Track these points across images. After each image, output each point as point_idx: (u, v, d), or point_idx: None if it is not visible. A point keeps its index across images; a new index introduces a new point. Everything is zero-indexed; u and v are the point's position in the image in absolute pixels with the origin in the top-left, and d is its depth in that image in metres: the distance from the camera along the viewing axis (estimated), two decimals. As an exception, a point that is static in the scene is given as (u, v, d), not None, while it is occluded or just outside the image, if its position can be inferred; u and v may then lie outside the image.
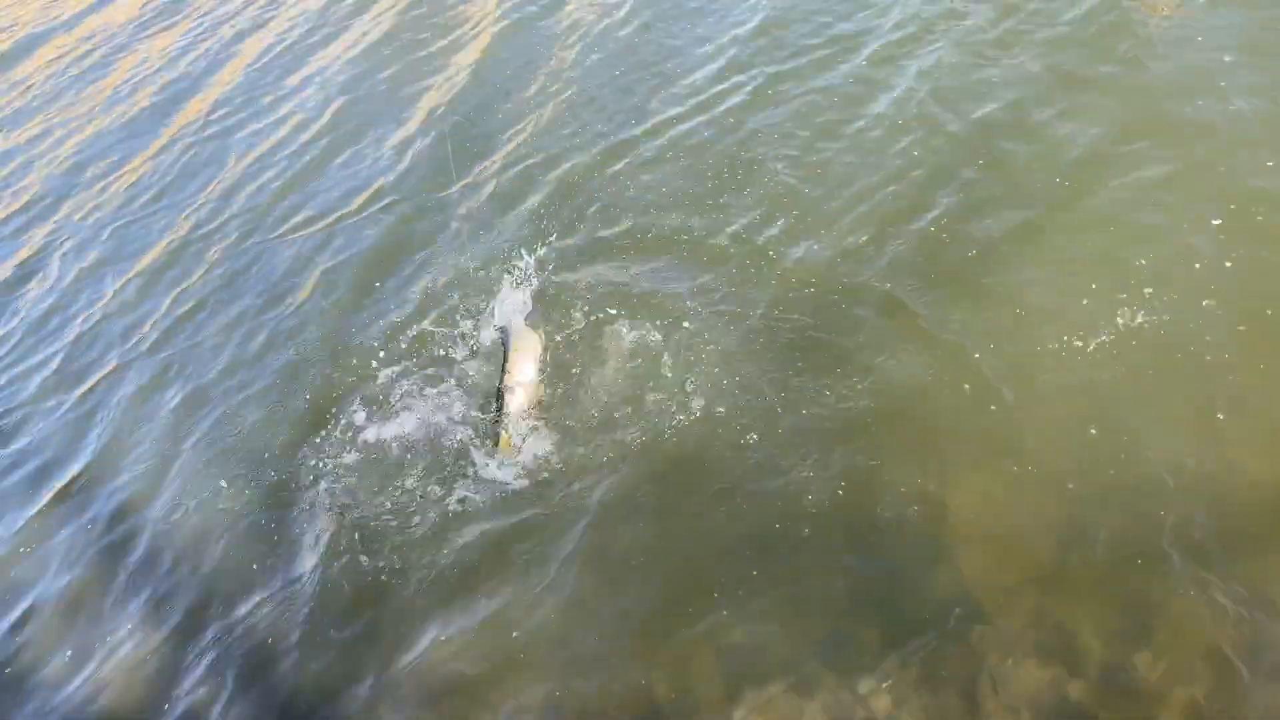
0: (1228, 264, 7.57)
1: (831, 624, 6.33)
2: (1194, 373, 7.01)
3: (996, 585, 6.24)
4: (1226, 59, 9.51)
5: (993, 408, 7.13)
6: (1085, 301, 7.59)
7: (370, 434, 8.17)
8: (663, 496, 7.22)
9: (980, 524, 6.55)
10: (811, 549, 6.69)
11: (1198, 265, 7.61)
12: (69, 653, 7.67)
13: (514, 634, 6.73)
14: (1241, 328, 7.18)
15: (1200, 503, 6.33)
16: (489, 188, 10.87)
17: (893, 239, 8.63)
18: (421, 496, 7.62)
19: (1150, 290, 7.52)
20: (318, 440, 8.33)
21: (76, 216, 13.18)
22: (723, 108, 10.91)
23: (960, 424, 7.11)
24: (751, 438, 7.38)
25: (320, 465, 8.11)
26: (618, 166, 10.54)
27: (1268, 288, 7.38)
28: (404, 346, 8.95)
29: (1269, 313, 7.22)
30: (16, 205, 14.02)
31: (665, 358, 8.02)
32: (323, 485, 7.96)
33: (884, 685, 6.01)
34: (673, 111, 11.12)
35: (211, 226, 11.97)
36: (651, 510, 7.17)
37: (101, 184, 13.75)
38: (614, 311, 8.56)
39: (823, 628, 6.33)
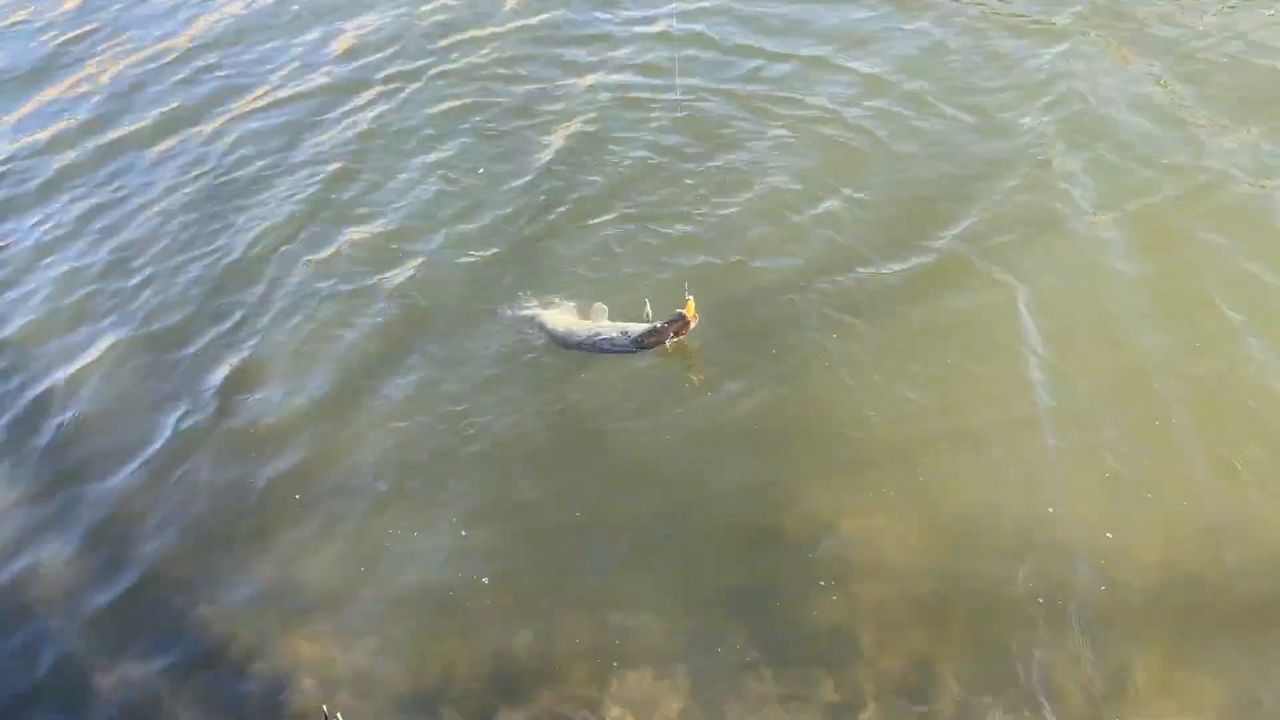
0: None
1: (709, 624, 6.28)
2: (1099, 434, 6.97)
3: (873, 616, 6.19)
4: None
5: (905, 447, 7.05)
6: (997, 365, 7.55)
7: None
8: (571, 467, 7.20)
9: (868, 555, 6.50)
10: (705, 548, 6.66)
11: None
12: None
13: (393, 571, 6.73)
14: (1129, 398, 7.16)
15: (1084, 565, 6.28)
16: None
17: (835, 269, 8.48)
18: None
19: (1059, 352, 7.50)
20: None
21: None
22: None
23: (870, 457, 7.04)
24: (674, 430, 7.34)
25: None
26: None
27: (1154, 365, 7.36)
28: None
29: (1155, 386, 7.20)
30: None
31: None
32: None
33: (746, 691, 5.96)
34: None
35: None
36: (557, 478, 7.14)
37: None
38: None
39: (699, 626, 6.28)
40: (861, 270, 8.31)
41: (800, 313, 8.01)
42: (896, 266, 8.32)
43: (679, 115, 10.10)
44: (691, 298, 7.52)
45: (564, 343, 7.92)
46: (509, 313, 8.33)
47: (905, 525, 6.61)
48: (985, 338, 7.69)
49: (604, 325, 7.88)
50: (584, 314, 8.08)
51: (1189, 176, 8.73)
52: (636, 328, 7.69)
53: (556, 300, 8.31)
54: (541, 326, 8.09)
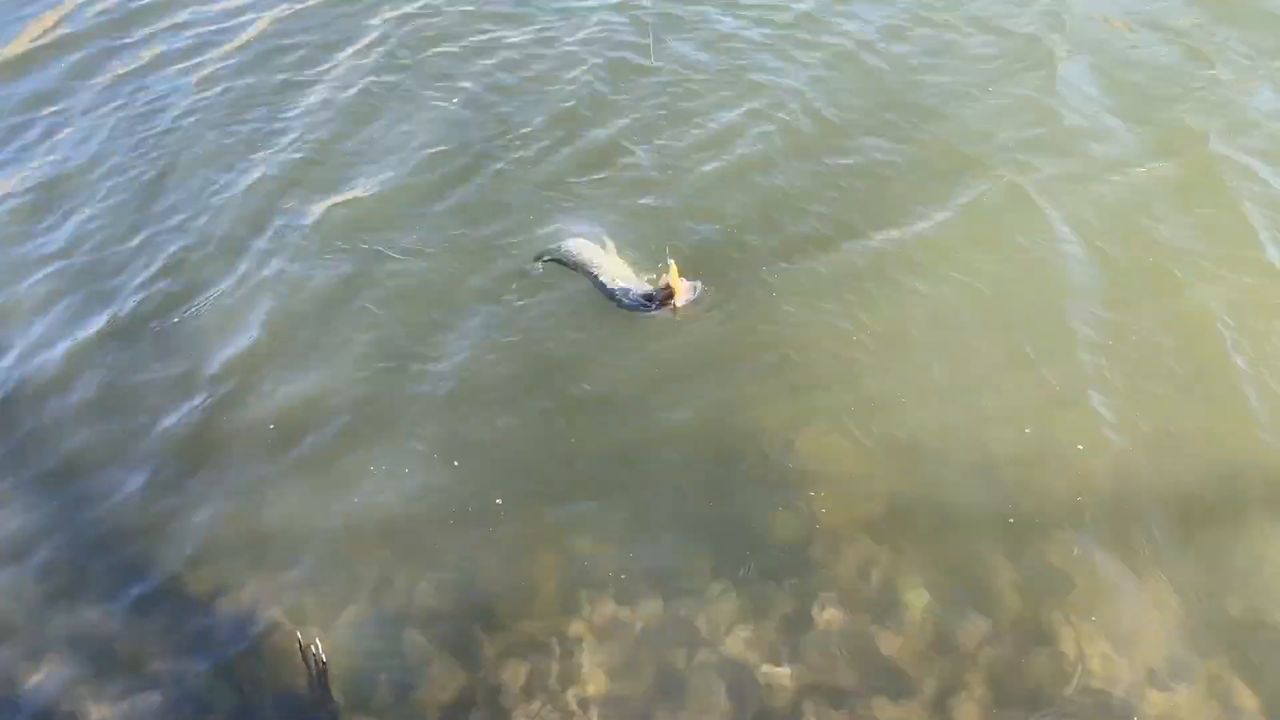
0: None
1: (670, 548, 6.42)
2: (1048, 359, 7.20)
3: (832, 532, 6.38)
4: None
5: (860, 363, 7.28)
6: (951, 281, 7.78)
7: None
8: (533, 400, 7.28)
9: (826, 471, 6.68)
10: (664, 474, 6.79)
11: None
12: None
13: (357, 501, 6.78)
14: (1109, 314, 7.43)
15: (1034, 480, 6.53)
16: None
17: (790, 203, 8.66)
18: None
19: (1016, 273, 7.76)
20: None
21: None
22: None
23: (825, 374, 7.25)
24: (633, 362, 7.46)
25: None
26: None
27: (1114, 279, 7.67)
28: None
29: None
30: None
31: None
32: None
33: (710, 611, 6.13)
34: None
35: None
36: (520, 411, 7.22)
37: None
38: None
39: (661, 550, 6.42)
40: (813, 206, 8.51)
41: (757, 247, 8.17)
42: (845, 200, 8.54)
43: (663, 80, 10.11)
44: (672, 262, 7.44)
45: (575, 263, 7.91)
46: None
47: (858, 444, 6.80)
48: (933, 260, 7.95)
49: (613, 267, 7.81)
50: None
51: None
52: (639, 288, 7.62)
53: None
54: (567, 247, 8.07)
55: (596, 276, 7.79)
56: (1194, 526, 6.23)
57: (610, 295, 7.71)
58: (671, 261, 7.45)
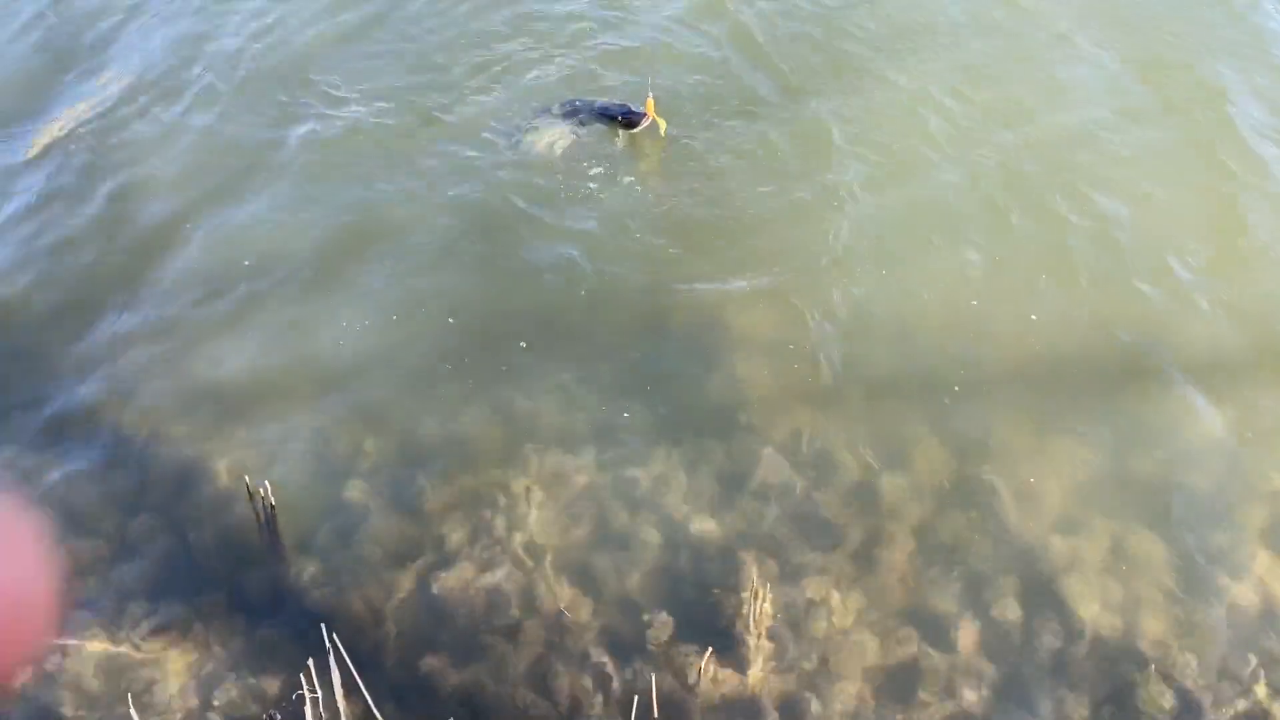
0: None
1: (610, 404, 6.59)
2: (983, 238, 7.42)
3: (766, 397, 6.60)
4: None
5: (798, 232, 7.44)
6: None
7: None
8: (480, 258, 7.34)
9: (760, 337, 6.89)
10: (606, 330, 6.95)
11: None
12: None
13: (297, 352, 6.82)
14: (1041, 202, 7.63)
15: (961, 350, 6.80)
16: None
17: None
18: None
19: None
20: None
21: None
22: None
23: (766, 242, 7.40)
24: (579, 224, 7.52)
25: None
26: None
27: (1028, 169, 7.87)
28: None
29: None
30: None
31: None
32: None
33: (648, 466, 6.33)
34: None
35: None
36: (465, 264, 7.30)
37: None
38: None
39: (602, 406, 6.59)
40: (776, 75, 8.61)
41: (716, 121, 8.26)
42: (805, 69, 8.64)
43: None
44: (653, 97, 7.90)
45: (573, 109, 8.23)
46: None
47: (794, 311, 6.99)
48: (881, 132, 8.08)
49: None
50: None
51: None
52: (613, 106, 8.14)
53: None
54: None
55: (593, 103, 8.26)
56: (1112, 392, 6.55)
57: (604, 109, 8.15)
58: (650, 94, 7.93)
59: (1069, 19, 9.12)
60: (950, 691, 5.39)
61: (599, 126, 8.13)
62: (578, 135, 8.01)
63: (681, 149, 8.01)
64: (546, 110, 8.18)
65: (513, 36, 8.99)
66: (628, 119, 8.01)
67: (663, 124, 7.94)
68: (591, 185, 7.78)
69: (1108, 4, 9.34)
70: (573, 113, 8.10)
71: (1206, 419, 6.43)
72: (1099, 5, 9.31)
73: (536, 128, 8.03)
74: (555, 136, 8.00)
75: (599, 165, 7.90)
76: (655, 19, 9.18)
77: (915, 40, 8.92)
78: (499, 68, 8.74)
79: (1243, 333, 6.87)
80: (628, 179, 7.80)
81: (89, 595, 5.75)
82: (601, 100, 8.18)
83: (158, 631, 5.65)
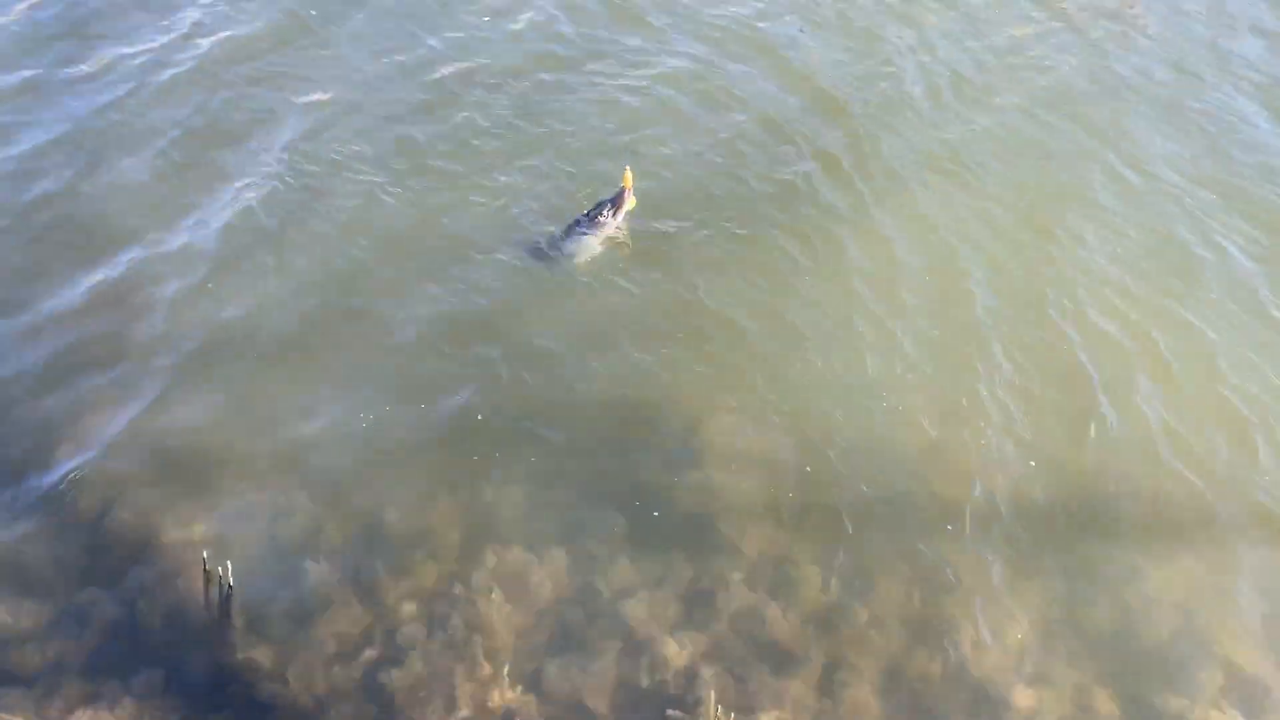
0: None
1: (579, 506, 6.53)
2: (957, 368, 7.52)
3: (734, 509, 6.57)
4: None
5: (776, 347, 7.51)
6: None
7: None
8: (460, 347, 7.32)
9: (733, 449, 6.89)
10: (579, 433, 6.89)
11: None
12: None
13: (270, 429, 6.70)
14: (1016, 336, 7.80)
15: (931, 480, 6.84)
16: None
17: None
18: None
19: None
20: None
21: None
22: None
23: (741, 354, 7.46)
24: (563, 319, 7.57)
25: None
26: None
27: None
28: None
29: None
30: None
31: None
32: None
33: (614, 572, 6.24)
34: None
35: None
36: (441, 355, 7.26)
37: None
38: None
39: (570, 507, 6.52)
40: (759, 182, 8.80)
41: (706, 219, 8.40)
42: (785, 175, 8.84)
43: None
44: (629, 169, 8.15)
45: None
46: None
47: (767, 426, 7.01)
48: (865, 257, 8.21)
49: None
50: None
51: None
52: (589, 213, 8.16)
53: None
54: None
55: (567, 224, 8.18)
56: (1074, 540, 6.62)
57: (574, 223, 8.12)
58: (628, 167, 8.13)
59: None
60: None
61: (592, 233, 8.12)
62: (577, 238, 8.02)
63: (674, 248, 8.08)
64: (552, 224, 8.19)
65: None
66: (614, 204, 8.15)
67: (632, 201, 8.16)
68: (582, 280, 7.82)
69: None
70: (576, 225, 8.11)
71: (1164, 574, 6.52)
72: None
73: (543, 233, 8.07)
74: (561, 242, 8.03)
75: (587, 262, 7.94)
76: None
77: (943, 164, 9.14)
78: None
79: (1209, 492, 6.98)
80: (613, 278, 7.82)
81: (22, 665, 5.48)
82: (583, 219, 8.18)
83: (88, 708, 5.38)
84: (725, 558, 6.37)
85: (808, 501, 6.68)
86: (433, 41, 9.99)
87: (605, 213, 8.09)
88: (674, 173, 8.81)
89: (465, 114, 9.16)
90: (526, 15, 10.36)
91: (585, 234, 7.99)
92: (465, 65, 9.73)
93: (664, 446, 6.88)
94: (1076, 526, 6.68)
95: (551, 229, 8.12)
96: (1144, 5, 11.26)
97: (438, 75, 9.61)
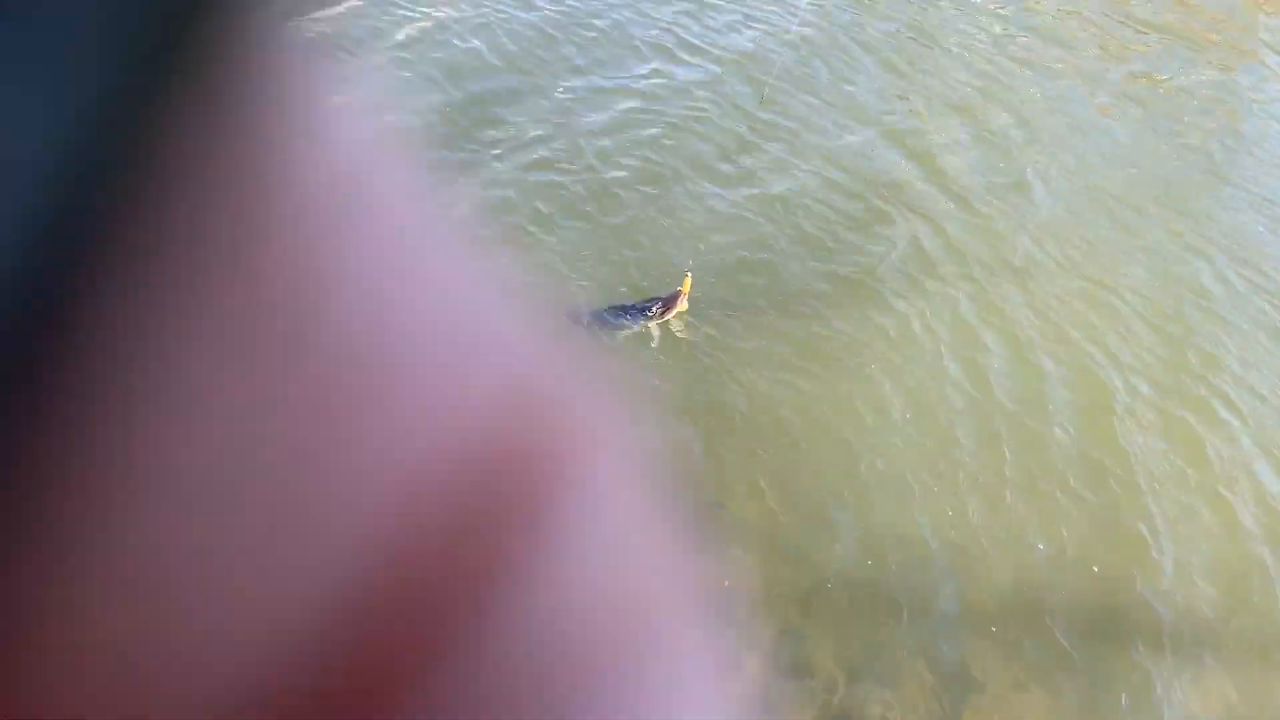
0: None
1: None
2: (982, 462, 7.41)
3: (755, 588, 6.42)
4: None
5: (806, 437, 7.43)
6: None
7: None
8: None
9: (755, 528, 6.78)
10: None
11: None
12: None
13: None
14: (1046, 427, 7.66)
15: (958, 575, 6.69)
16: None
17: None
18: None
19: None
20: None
21: None
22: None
23: (770, 441, 7.39)
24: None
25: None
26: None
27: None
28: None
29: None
30: None
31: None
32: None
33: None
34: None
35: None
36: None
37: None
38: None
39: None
40: (798, 279, 8.78)
41: (736, 303, 8.42)
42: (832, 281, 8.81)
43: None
44: (689, 275, 8.00)
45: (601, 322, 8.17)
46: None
47: (792, 512, 6.90)
48: (901, 353, 8.17)
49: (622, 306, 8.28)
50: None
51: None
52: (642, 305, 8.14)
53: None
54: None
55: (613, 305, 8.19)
56: (1104, 649, 6.41)
57: (620, 307, 8.10)
58: (688, 274, 8.00)
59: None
60: None
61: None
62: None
63: (707, 341, 8.09)
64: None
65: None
66: (666, 303, 8.00)
67: (684, 305, 8.01)
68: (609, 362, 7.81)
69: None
70: (622, 310, 8.08)
71: (1183, 694, 6.27)
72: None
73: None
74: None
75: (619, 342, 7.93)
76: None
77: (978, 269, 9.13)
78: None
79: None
80: (648, 366, 7.77)
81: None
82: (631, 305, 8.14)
83: None
84: (741, 642, 6.18)
85: (826, 593, 6.51)
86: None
87: (655, 309, 8.01)
88: (725, 280, 8.75)
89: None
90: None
91: (626, 320, 7.98)
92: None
93: (682, 527, 6.75)
94: (1105, 638, 6.46)
95: (596, 306, 8.10)
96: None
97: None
